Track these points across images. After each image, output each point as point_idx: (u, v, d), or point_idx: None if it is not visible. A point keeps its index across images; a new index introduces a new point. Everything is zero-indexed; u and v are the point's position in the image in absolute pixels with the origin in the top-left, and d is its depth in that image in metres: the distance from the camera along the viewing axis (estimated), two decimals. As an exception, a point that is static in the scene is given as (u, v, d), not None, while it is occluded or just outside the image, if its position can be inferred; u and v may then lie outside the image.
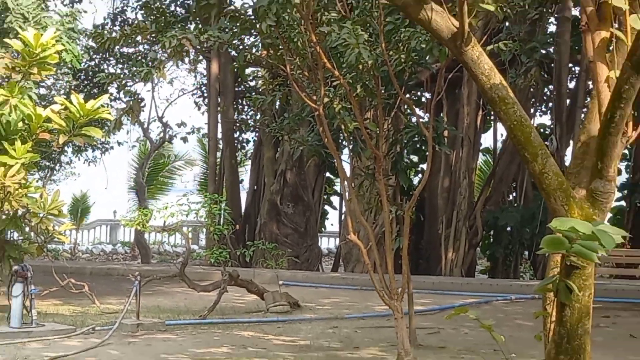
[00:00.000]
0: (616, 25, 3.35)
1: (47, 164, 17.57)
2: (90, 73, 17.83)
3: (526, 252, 18.60)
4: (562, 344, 3.12)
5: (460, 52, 3.43)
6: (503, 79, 3.47)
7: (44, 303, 9.92)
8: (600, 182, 3.18)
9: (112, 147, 22.16)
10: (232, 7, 12.14)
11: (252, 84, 20.73)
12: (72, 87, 15.93)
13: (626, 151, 15.54)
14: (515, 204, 18.22)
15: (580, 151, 3.75)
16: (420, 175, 17.68)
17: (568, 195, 3.24)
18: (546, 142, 15.38)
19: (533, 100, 18.10)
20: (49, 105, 7.39)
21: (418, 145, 15.46)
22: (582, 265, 2.93)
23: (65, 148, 15.48)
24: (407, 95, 14.02)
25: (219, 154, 20.13)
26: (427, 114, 15.92)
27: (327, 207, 21.41)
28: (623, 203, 17.90)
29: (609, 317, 10.02)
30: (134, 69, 14.73)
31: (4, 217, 7.01)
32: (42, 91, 13.82)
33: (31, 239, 8.06)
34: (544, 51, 16.66)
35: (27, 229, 7.82)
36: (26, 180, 6.82)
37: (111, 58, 18.52)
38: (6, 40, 9.45)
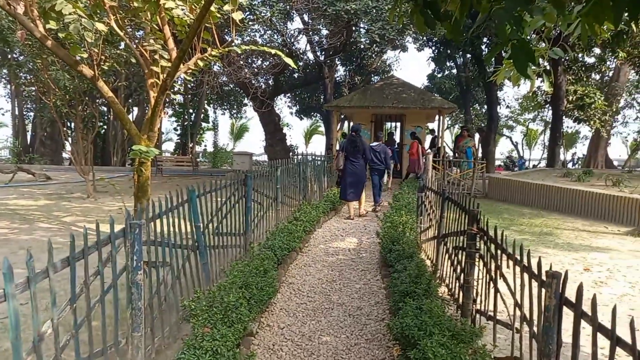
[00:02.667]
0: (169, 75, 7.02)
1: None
2: None
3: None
4: (139, 189, 6.80)
5: (95, 83, 6.54)
6: (113, 94, 6.77)
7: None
8: (151, 132, 6.86)
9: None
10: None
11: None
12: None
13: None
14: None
15: (145, 121, 7.35)
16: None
17: (139, 137, 6.77)
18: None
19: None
20: None
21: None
22: (145, 161, 6.57)
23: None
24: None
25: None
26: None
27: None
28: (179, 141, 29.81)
29: (171, 178, 18.02)
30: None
31: None
32: None
33: None
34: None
35: None
36: None
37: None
38: None
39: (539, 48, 5.30)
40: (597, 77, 22.21)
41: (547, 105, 21.19)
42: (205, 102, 29.72)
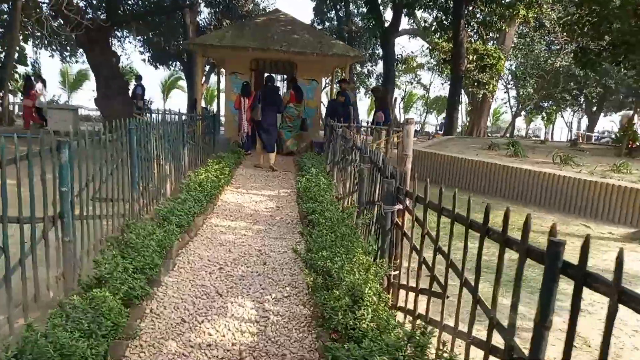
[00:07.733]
0: None
1: None
2: None
3: None
4: None
5: None
6: None
7: None
8: None
9: None
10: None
11: None
12: None
13: None
14: None
15: None
16: None
17: None
18: None
19: None
20: None
21: None
22: None
23: None
24: None
25: None
26: None
27: None
28: None
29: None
30: None
31: None
32: None
33: None
34: None
35: None
36: None
37: None
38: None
39: None
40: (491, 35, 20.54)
41: (445, 65, 18.89)
42: (21, 36, 22.01)
